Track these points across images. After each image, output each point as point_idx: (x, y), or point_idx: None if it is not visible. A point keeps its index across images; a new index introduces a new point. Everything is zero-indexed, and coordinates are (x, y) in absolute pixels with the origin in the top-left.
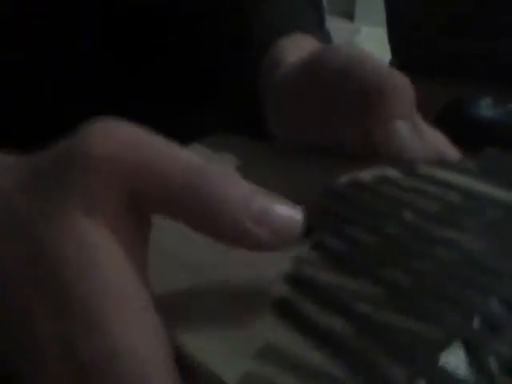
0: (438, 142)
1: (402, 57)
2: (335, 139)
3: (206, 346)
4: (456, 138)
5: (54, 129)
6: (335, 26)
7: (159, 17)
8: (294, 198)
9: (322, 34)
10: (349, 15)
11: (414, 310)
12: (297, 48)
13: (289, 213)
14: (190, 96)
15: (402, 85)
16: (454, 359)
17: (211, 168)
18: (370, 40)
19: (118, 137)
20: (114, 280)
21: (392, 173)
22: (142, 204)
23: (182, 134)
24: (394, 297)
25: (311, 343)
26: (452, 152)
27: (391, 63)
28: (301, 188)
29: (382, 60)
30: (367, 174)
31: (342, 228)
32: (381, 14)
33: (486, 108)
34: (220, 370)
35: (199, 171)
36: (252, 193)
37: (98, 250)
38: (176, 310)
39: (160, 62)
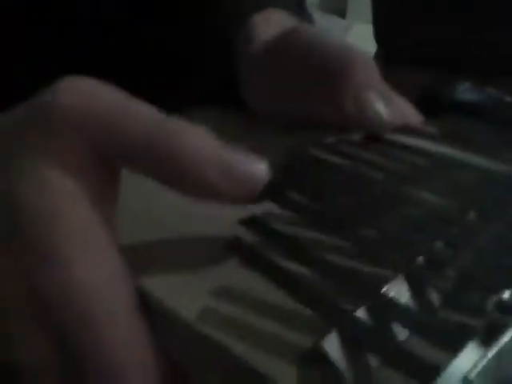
0: (404, 108)
1: (385, 48)
2: (309, 113)
3: (166, 287)
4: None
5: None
6: (327, 23)
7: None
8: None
9: (300, 12)
10: (341, 12)
11: (369, 256)
12: (269, 25)
13: (252, 167)
14: (177, 72)
15: (363, 58)
16: (398, 290)
17: (174, 121)
18: (361, 37)
19: (81, 88)
20: (78, 221)
21: (359, 139)
22: (106, 156)
23: (170, 107)
24: (356, 246)
25: (268, 282)
26: (417, 118)
27: (376, 55)
28: (275, 154)
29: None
30: (337, 139)
31: (306, 185)
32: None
33: (466, 92)
34: (178, 306)
35: (161, 125)
36: (216, 146)
37: (62, 195)
38: (138, 258)
39: (148, 37)
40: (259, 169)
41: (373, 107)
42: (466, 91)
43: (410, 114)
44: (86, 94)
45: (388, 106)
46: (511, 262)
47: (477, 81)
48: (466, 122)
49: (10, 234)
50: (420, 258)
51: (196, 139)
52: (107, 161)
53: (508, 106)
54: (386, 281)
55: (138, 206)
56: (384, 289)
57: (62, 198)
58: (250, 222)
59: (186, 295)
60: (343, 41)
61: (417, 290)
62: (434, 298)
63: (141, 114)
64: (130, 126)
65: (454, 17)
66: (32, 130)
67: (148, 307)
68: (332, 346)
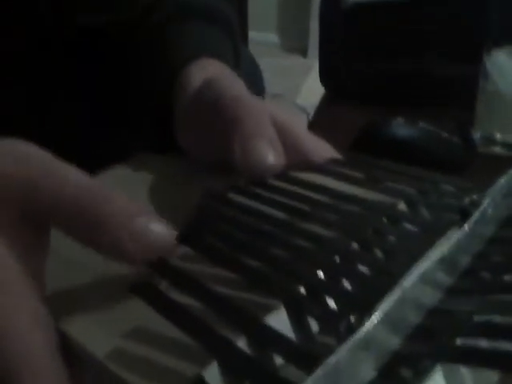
0: (314, 149)
1: (328, 86)
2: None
3: (84, 329)
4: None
5: None
6: (289, 62)
7: (91, 43)
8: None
9: (235, 58)
10: (302, 52)
11: (258, 284)
12: (202, 73)
13: (162, 230)
14: (116, 120)
15: (252, 107)
16: (278, 318)
17: (97, 187)
18: None
19: (14, 154)
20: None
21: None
22: (34, 215)
23: (109, 156)
24: (246, 278)
25: (170, 321)
26: (329, 154)
27: (324, 96)
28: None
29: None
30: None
31: (214, 226)
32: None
33: (399, 127)
34: (92, 347)
35: (87, 190)
36: (132, 212)
37: None
38: (61, 301)
39: (89, 85)
40: (168, 233)
41: (256, 153)
42: (399, 127)
43: (324, 151)
44: (18, 161)
45: (274, 152)
46: (385, 285)
47: (415, 113)
48: (375, 162)
49: None
50: (300, 287)
51: (115, 204)
52: (36, 218)
53: (438, 140)
54: (267, 310)
55: (60, 249)
56: (264, 318)
57: None
58: (158, 266)
59: (100, 336)
60: (242, 91)
61: (295, 317)
62: (312, 324)
63: (69, 180)
64: (59, 188)
65: (392, 52)
66: None
67: (68, 349)
68: (213, 376)
